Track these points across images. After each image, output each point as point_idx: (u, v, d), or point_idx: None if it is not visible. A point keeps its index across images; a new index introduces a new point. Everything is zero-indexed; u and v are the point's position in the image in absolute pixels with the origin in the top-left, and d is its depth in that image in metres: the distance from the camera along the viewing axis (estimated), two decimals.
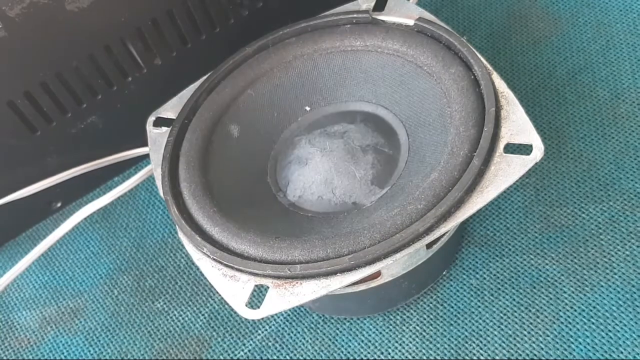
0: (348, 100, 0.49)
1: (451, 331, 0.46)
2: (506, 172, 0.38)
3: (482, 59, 0.43)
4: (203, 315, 0.51)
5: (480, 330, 0.45)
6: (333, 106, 0.49)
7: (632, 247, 0.45)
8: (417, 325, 0.47)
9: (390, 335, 0.47)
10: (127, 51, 0.53)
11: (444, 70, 0.43)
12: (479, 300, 0.46)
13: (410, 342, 0.46)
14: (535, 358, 0.43)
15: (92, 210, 0.51)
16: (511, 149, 0.38)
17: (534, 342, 0.44)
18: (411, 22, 0.46)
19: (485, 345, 0.45)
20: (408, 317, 0.47)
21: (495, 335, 0.45)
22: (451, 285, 0.47)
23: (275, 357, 0.48)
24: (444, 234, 0.39)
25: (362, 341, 0.47)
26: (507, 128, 0.39)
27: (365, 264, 0.37)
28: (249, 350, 0.49)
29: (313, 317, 0.49)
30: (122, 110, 0.56)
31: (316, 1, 0.51)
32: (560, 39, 0.56)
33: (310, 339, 0.48)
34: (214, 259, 0.40)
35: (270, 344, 0.49)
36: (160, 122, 0.49)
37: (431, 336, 0.46)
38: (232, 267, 0.39)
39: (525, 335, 0.44)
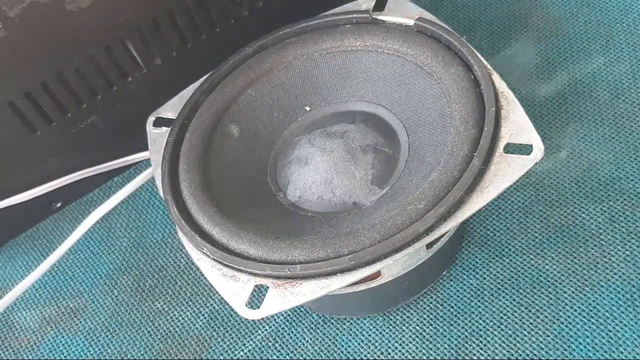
0: (348, 100, 0.49)
1: (451, 331, 0.46)
2: (506, 172, 0.38)
3: (482, 59, 0.43)
4: (203, 315, 0.51)
5: (480, 330, 0.45)
6: (333, 106, 0.49)
7: (632, 247, 0.45)
8: (417, 325, 0.47)
9: (390, 335, 0.47)
10: (127, 51, 0.53)
11: (444, 70, 0.43)
12: (479, 300, 0.46)
13: (410, 342, 0.46)
14: (535, 358, 0.43)
15: (99, 216, 0.51)
16: (511, 149, 0.38)
17: (534, 342, 0.44)
18: (411, 22, 0.46)
19: (485, 345, 0.45)
20: (408, 317, 0.47)
21: (495, 335, 0.45)
22: (451, 285, 0.47)
23: (275, 357, 0.48)
24: (444, 234, 0.39)
25: (362, 341, 0.47)
26: (507, 128, 0.39)
27: (365, 264, 0.37)
28: (249, 350, 0.49)
29: (313, 317, 0.49)
30: (122, 110, 0.56)
31: (316, 1, 0.51)
32: (560, 39, 0.56)
33: (310, 339, 0.48)
34: (214, 259, 0.40)
35: (270, 344, 0.49)
36: (160, 122, 0.49)
37: (431, 336, 0.46)
38: (232, 267, 0.39)
39: (525, 335, 0.44)
